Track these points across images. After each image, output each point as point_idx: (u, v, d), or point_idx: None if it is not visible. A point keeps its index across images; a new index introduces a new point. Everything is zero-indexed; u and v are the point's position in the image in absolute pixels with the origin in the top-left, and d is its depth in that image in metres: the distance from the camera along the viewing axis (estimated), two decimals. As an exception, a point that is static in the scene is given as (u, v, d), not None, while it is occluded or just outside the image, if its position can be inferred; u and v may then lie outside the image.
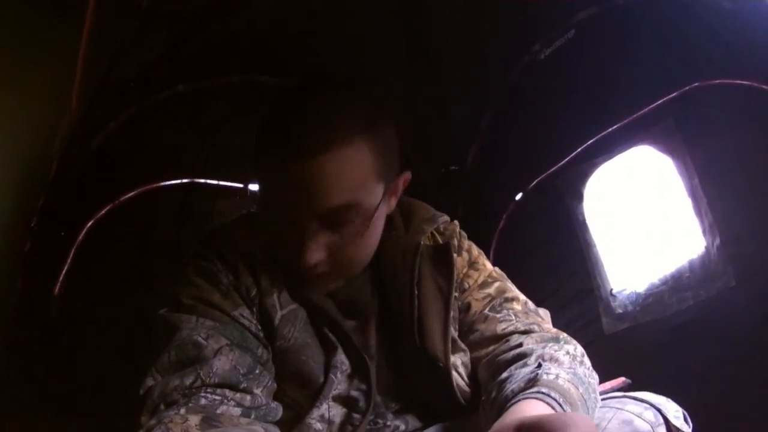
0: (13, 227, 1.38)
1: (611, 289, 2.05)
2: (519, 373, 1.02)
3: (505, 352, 1.13)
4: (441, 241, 1.28)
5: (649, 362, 1.80)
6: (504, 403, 0.96)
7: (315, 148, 0.96)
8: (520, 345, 1.12)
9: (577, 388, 0.99)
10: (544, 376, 0.97)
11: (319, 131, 0.97)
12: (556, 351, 1.07)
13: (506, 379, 1.03)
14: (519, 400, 0.94)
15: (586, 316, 2.03)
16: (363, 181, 1.01)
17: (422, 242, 1.23)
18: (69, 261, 1.87)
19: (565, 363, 1.05)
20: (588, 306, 2.05)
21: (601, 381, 1.24)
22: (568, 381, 0.99)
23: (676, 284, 1.83)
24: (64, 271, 1.86)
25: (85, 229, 1.90)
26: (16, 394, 1.63)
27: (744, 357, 1.59)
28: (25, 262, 1.57)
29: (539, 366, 1.01)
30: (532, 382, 0.97)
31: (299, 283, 1.11)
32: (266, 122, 1.04)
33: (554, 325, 1.25)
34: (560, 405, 0.92)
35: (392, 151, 1.07)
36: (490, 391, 1.06)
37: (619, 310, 1.98)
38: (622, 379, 1.38)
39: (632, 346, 1.91)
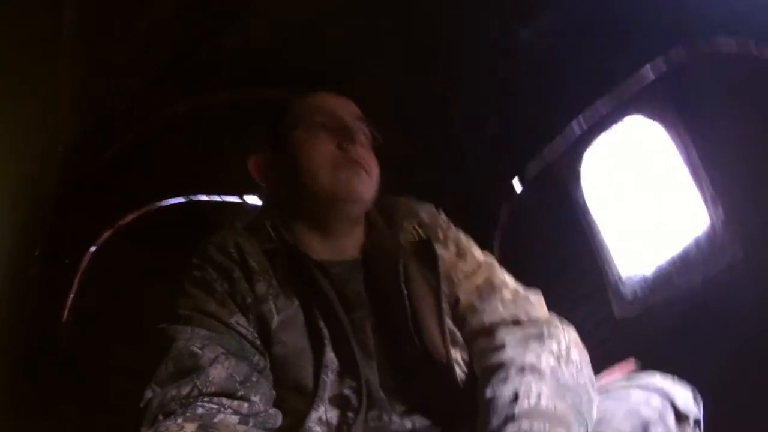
0: (17, 249, 1.40)
1: (619, 275, 2.02)
2: (501, 397, 1.01)
3: (490, 352, 1.12)
4: (424, 234, 1.27)
5: (661, 346, 1.76)
6: None
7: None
8: (503, 347, 1.11)
9: (564, 399, 0.99)
10: (525, 406, 0.98)
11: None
12: (538, 356, 1.07)
13: (491, 400, 1.03)
14: None
15: (595, 302, 2.00)
16: None
17: (406, 239, 1.24)
18: (74, 288, 1.89)
19: (547, 374, 1.04)
20: (597, 292, 2.02)
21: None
22: (552, 396, 0.99)
23: (683, 263, 1.80)
24: (70, 298, 1.88)
25: (87, 256, 1.92)
26: (16, 395, 1.64)
27: (755, 332, 1.55)
28: (33, 286, 1.59)
29: (516, 398, 1.00)
30: (512, 418, 0.97)
31: (325, 217, 1.22)
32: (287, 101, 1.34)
33: (563, 314, 1.21)
34: None
35: None
36: (479, 405, 1.05)
37: (629, 296, 1.95)
38: (632, 361, 1.36)
39: (644, 331, 1.88)
